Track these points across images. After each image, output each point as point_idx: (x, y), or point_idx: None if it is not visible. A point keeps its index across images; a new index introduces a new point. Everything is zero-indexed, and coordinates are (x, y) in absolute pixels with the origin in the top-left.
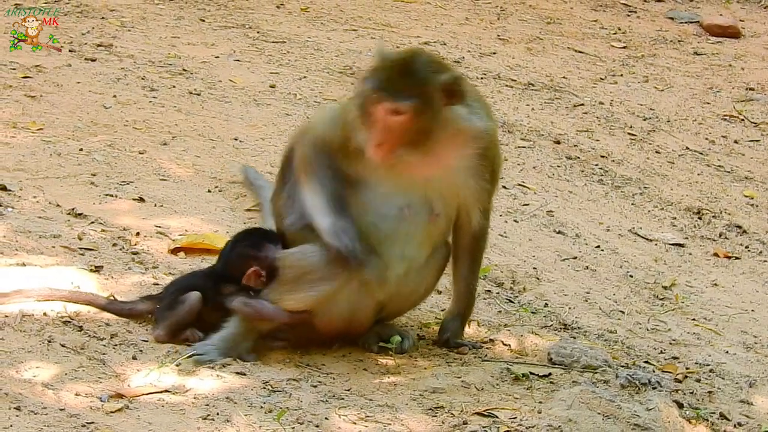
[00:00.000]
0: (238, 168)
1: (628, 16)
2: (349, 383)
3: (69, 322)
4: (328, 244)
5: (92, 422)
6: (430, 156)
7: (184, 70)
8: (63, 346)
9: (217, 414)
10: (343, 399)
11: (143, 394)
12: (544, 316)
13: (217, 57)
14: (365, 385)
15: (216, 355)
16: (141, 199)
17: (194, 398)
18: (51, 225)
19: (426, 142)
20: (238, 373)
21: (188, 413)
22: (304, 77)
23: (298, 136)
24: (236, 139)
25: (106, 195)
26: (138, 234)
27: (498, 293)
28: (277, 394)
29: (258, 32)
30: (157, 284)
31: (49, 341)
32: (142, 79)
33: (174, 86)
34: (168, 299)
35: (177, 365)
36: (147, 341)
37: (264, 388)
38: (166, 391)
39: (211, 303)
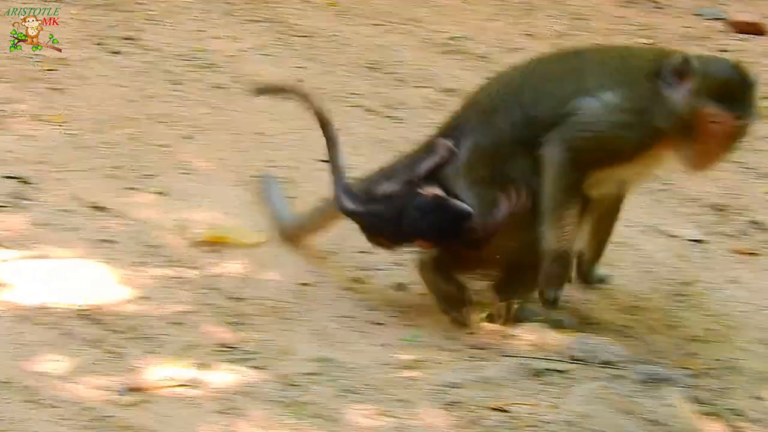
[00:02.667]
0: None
1: (655, 12)
2: (366, 378)
3: (87, 315)
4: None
5: (109, 416)
6: None
7: (210, 63)
8: (81, 339)
9: (234, 408)
10: (360, 394)
11: (160, 388)
12: (564, 311)
13: (244, 51)
14: (383, 379)
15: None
16: (164, 193)
17: (211, 392)
18: (72, 218)
19: None
20: (255, 367)
21: (205, 407)
22: (331, 71)
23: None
24: (261, 133)
25: (129, 188)
26: (160, 228)
27: None
28: (295, 389)
29: (284, 26)
30: (180, 278)
31: (67, 334)
32: (167, 72)
33: (199, 80)
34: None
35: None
36: (166, 335)
37: (281, 382)
38: (184, 385)
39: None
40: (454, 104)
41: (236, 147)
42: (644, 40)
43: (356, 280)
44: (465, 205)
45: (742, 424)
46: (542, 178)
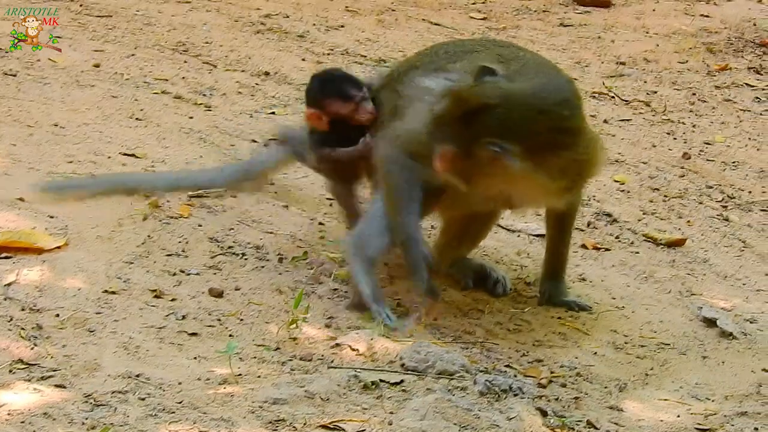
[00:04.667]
0: None
1: None
2: (181, 395)
3: None
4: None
5: None
6: None
7: None
8: None
9: None
10: (174, 413)
11: None
12: (398, 317)
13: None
14: (199, 396)
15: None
16: None
17: (8, 415)
18: None
19: None
20: (57, 385)
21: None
22: (133, 55)
23: None
24: (56, 125)
25: None
26: None
27: (346, 291)
28: (101, 409)
29: (81, 5)
30: None
31: None
32: None
33: None
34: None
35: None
36: None
37: (86, 402)
38: None
39: None
40: (270, 89)
41: (30, 141)
42: (477, 15)
43: (167, 287)
44: None
45: None
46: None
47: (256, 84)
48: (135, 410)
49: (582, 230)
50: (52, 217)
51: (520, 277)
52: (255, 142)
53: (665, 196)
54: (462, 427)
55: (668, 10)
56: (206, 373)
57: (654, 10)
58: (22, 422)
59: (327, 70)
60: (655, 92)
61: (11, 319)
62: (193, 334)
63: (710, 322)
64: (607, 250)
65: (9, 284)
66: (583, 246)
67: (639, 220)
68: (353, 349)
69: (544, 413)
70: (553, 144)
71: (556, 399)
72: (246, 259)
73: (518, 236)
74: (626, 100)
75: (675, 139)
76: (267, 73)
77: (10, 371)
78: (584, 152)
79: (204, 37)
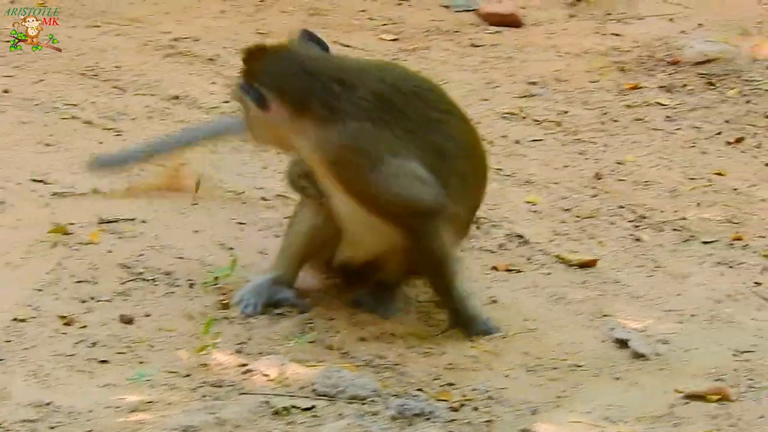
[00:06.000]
0: None
1: (400, 5)
2: (91, 423)
3: None
4: None
5: None
6: None
7: None
8: None
9: None
10: None
11: None
12: (309, 342)
13: None
14: (109, 424)
15: (253, 307)
16: None
17: None
18: None
19: None
20: None
21: None
22: (42, 80)
23: None
24: None
25: None
26: None
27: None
28: None
29: None
30: None
31: None
32: None
33: None
34: None
35: None
36: None
37: None
38: None
39: None
40: (181, 113)
41: None
42: (387, 36)
43: (77, 314)
44: None
45: None
46: None
47: (166, 108)
48: None
49: (493, 252)
50: None
51: (432, 300)
52: (164, 166)
53: (577, 216)
54: None
55: (579, 29)
56: (116, 400)
57: (565, 30)
58: None
59: None
60: (567, 112)
61: None
62: (104, 361)
63: (622, 343)
64: (518, 271)
65: None
66: (494, 268)
67: (551, 241)
68: (264, 375)
69: None
70: (309, 111)
71: (468, 423)
72: (156, 284)
73: None
74: (537, 120)
75: (587, 159)
76: (177, 97)
77: None
78: (354, 146)
79: (113, 61)
